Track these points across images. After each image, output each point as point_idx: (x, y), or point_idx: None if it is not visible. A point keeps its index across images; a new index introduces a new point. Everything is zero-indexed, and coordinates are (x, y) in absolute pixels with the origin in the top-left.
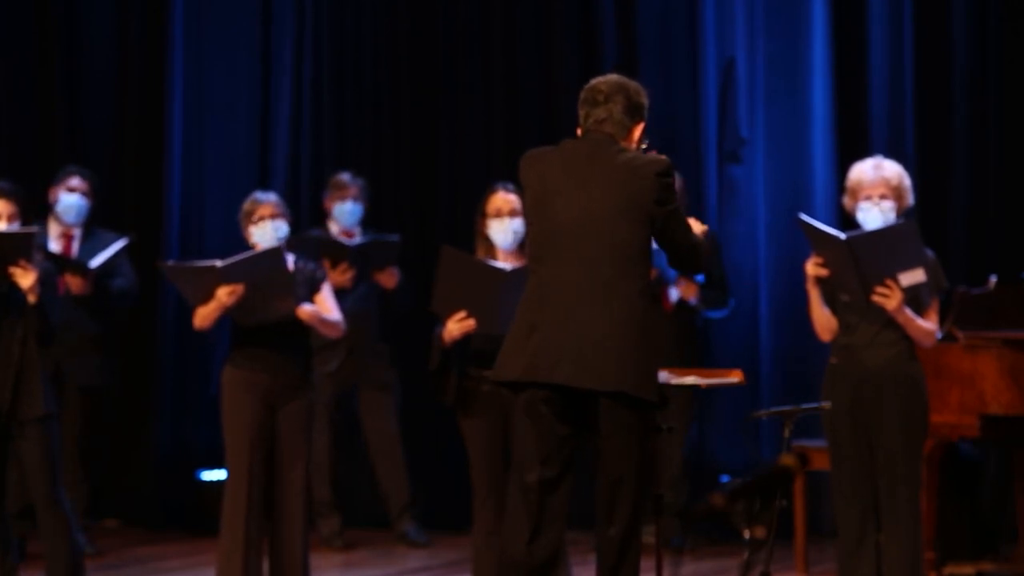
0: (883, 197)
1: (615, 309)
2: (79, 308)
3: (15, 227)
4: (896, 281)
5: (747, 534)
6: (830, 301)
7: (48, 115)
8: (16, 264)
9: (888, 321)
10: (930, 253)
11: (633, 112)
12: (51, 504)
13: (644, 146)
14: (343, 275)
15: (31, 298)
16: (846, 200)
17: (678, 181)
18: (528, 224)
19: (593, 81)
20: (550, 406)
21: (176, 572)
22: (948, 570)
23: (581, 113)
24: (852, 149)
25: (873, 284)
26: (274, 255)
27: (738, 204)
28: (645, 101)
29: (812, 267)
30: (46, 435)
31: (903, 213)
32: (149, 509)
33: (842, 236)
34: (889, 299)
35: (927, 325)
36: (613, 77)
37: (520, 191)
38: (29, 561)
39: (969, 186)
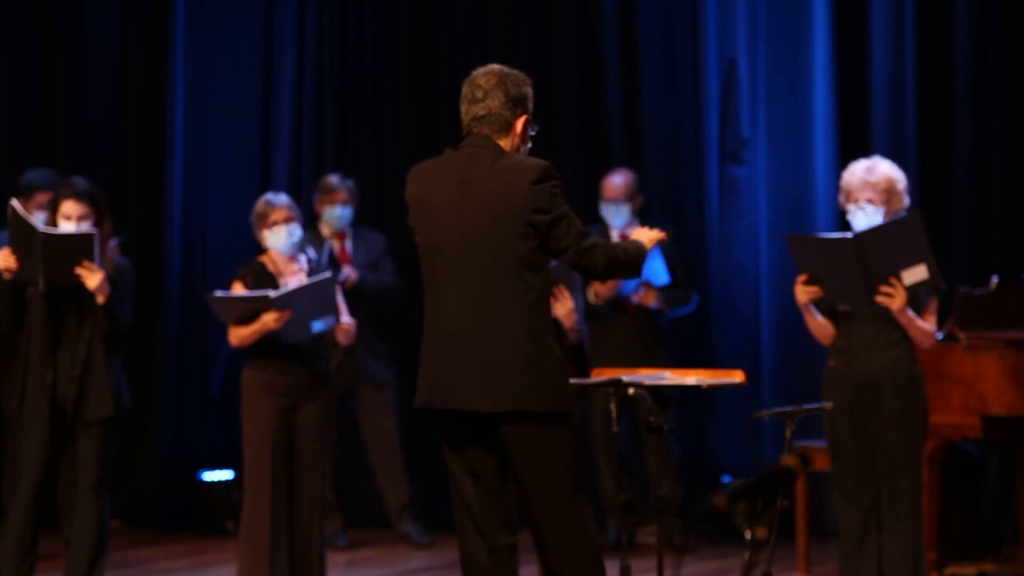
0: (869, 201)
1: (504, 328)
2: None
3: (75, 228)
4: (899, 279)
5: (749, 534)
6: (828, 310)
7: (50, 116)
8: (81, 265)
9: (887, 323)
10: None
11: (514, 104)
12: (91, 500)
13: (532, 133)
14: None
15: (100, 299)
16: (840, 199)
17: (628, 178)
18: (416, 243)
19: (473, 74)
20: (460, 428)
21: (179, 572)
22: (950, 570)
23: (462, 109)
24: (853, 149)
25: (877, 283)
26: (326, 285)
27: (739, 204)
28: (528, 90)
29: (802, 293)
30: (105, 435)
31: (895, 214)
32: (151, 509)
33: (848, 235)
34: (893, 299)
35: (926, 326)
36: (494, 68)
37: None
38: (38, 560)
39: (970, 186)
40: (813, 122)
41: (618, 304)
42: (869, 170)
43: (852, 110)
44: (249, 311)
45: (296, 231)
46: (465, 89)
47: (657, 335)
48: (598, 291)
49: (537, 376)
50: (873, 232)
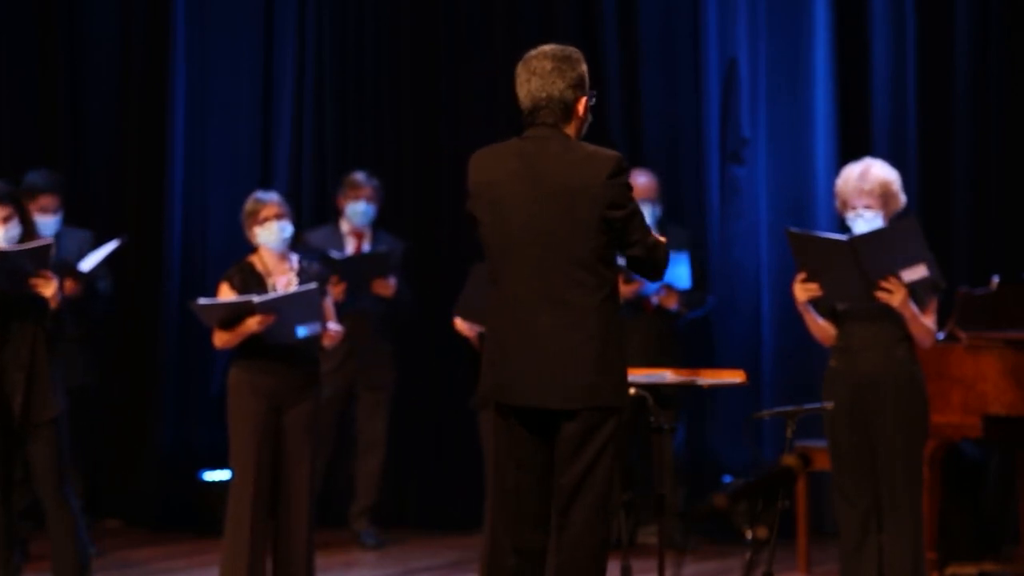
0: (867, 207)
1: (576, 324)
2: (64, 309)
3: (4, 233)
4: (899, 278)
5: (749, 534)
6: (828, 311)
7: (50, 116)
8: (36, 275)
9: (887, 322)
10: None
11: (576, 87)
12: (59, 504)
13: (592, 103)
14: (334, 288)
15: (53, 304)
16: (836, 206)
17: (652, 178)
18: (482, 233)
19: (528, 56)
20: (521, 419)
21: (178, 572)
22: (950, 570)
23: (519, 93)
24: (854, 149)
25: (876, 280)
26: (311, 295)
27: (740, 204)
28: (583, 68)
29: (801, 291)
30: (56, 436)
31: (894, 214)
32: (151, 509)
33: (843, 238)
34: (893, 295)
35: (928, 323)
36: (546, 51)
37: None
38: (32, 562)
39: (970, 186)
40: (813, 122)
41: (637, 305)
42: (863, 176)
43: (852, 110)
44: (233, 314)
45: (287, 227)
46: (521, 73)
47: (675, 337)
48: (621, 291)
49: (607, 373)
50: (870, 236)
